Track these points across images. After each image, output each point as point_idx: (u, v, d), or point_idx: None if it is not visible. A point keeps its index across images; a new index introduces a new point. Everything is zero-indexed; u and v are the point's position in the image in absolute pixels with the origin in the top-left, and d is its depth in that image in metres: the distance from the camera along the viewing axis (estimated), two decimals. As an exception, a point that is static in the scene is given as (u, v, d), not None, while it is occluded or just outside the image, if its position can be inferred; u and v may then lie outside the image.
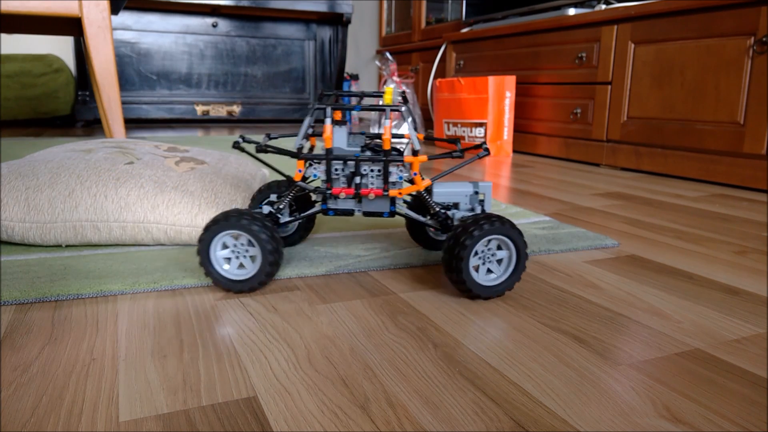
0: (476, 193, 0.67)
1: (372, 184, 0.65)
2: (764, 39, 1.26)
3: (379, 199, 0.66)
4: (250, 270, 0.61)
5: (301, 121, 3.42)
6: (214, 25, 3.03)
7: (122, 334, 0.51)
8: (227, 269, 0.61)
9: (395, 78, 2.37)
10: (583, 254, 0.79)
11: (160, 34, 2.93)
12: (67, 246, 0.76)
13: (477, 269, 0.61)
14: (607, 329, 0.55)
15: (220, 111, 3.06)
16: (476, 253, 0.60)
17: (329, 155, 0.63)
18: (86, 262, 0.69)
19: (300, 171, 0.64)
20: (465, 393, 0.43)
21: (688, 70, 1.44)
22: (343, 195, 0.65)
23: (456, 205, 0.67)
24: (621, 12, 1.58)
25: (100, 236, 0.75)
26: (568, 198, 1.21)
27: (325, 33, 3.26)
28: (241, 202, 0.81)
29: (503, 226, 0.59)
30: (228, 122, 3.26)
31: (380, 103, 0.58)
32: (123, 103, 2.90)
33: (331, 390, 0.43)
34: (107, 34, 1.41)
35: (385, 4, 3.49)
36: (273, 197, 0.74)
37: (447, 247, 0.60)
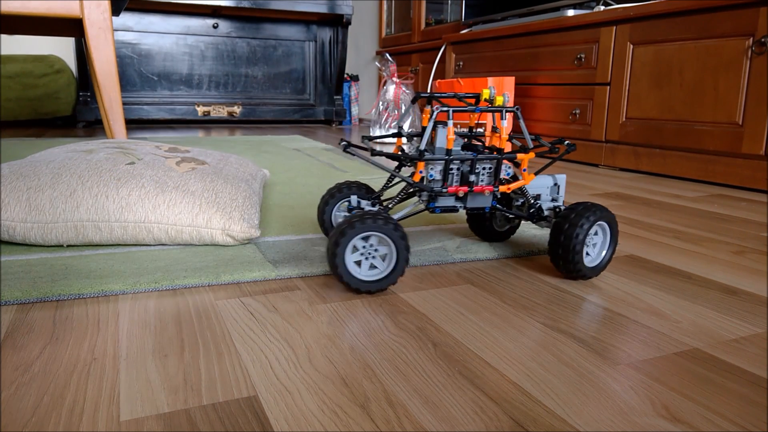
0: (555, 185, 0.73)
1: (482, 181, 0.70)
2: (763, 39, 1.26)
3: (482, 196, 0.70)
4: (383, 269, 0.63)
5: (300, 122, 3.42)
6: (215, 26, 3.03)
7: (123, 334, 0.52)
8: (359, 271, 0.62)
9: (395, 79, 2.38)
10: (583, 254, 0.80)
11: (161, 35, 2.93)
12: (68, 246, 0.76)
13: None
14: (606, 329, 0.55)
15: (220, 112, 3.06)
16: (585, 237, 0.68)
17: (450, 156, 0.66)
18: (87, 262, 0.69)
19: (421, 172, 0.67)
20: (464, 392, 0.43)
21: (686, 70, 1.44)
22: (461, 193, 0.68)
23: (538, 197, 0.73)
24: (620, 13, 1.59)
25: (101, 236, 0.75)
26: (567, 198, 1.21)
27: (326, 34, 3.26)
28: (242, 201, 0.82)
29: (604, 213, 0.67)
30: (228, 123, 3.26)
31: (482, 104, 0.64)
32: (124, 103, 2.90)
33: (332, 389, 0.43)
34: (108, 35, 1.41)
35: (384, 5, 3.49)
36: (354, 198, 0.74)
37: (558, 235, 0.66)
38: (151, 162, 0.84)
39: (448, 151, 0.66)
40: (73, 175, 0.77)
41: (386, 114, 2.42)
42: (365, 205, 0.73)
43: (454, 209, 0.70)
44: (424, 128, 0.69)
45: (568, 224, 0.65)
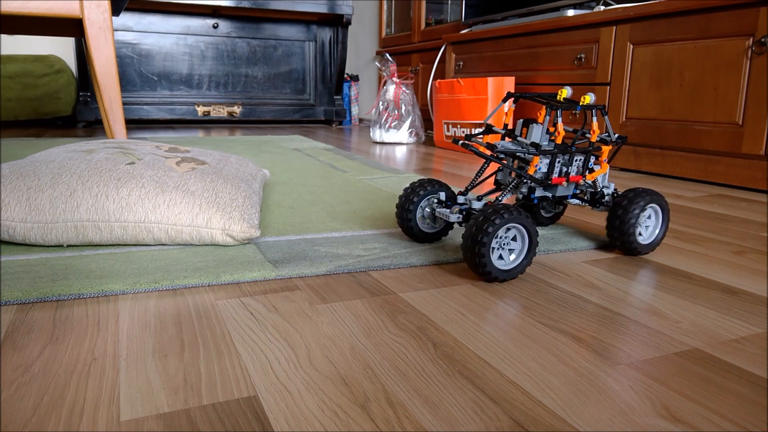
0: (605, 174, 0.81)
1: (572, 172, 0.77)
2: (763, 39, 1.26)
3: (567, 185, 0.77)
4: (514, 260, 0.67)
5: (300, 122, 3.42)
6: (215, 26, 3.03)
7: (123, 334, 0.52)
8: (497, 261, 0.66)
9: (395, 79, 2.38)
10: (582, 254, 0.80)
11: (161, 35, 2.93)
12: (68, 246, 0.76)
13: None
14: (605, 329, 0.55)
15: (220, 112, 3.06)
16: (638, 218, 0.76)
17: (559, 149, 0.73)
18: (87, 262, 0.69)
19: (536, 166, 0.73)
20: (464, 392, 0.43)
21: (686, 70, 1.44)
22: (564, 184, 0.76)
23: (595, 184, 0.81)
24: (620, 13, 1.59)
25: (101, 236, 0.75)
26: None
27: (326, 34, 3.26)
28: (242, 201, 0.82)
29: (654, 197, 0.77)
30: (228, 123, 3.26)
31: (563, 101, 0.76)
32: (124, 103, 2.90)
33: (332, 389, 0.43)
34: (108, 35, 1.41)
35: (384, 5, 3.49)
36: (442, 195, 0.77)
37: (613, 219, 0.76)
38: (151, 162, 0.84)
39: (557, 146, 0.73)
40: (73, 175, 0.77)
41: (386, 114, 2.42)
42: (462, 199, 0.76)
43: (546, 198, 0.78)
44: (525, 124, 0.76)
45: (621, 210, 0.75)
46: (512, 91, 1.96)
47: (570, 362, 0.48)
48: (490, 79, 1.93)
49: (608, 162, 0.78)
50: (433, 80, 2.68)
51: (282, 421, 0.39)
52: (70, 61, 2.98)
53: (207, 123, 3.22)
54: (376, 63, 3.17)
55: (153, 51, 2.93)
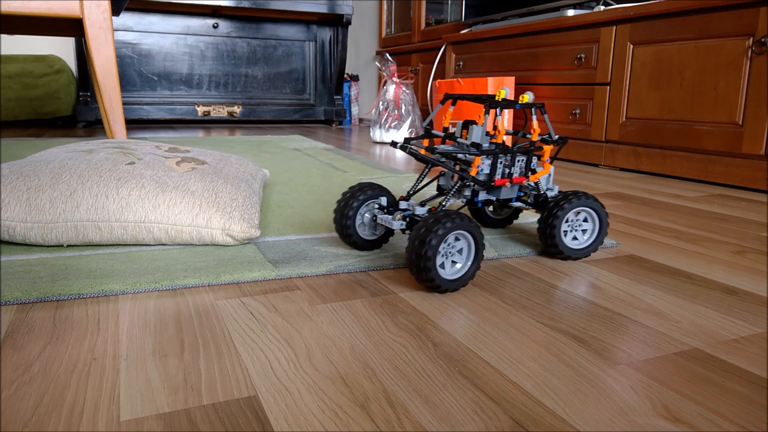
0: (549, 175, 0.79)
1: (515, 173, 0.75)
2: (763, 39, 1.26)
3: (511, 187, 0.75)
4: (461, 268, 0.63)
5: (300, 122, 3.42)
6: (215, 26, 3.03)
7: (123, 334, 0.52)
8: (443, 271, 0.62)
9: (395, 79, 2.38)
10: (583, 254, 0.80)
11: (161, 35, 2.93)
12: (68, 246, 0.76)
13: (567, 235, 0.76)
14: (606, 329, 0.55)
15: (220, 112, 3.06)
16: (567, 221, 0.75)
17: (500, 149, 0.71)
18: (87, 261, 0.69)
19: (478, 167, 0.71)
20: (464, 392, 0.43)
21: (686, 70, 1.44)
22: (508, 185, 0.74)
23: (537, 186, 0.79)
24: (620, 13, 1.59)
25: (101, 236, 0.75)
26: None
27: (326, 34, 3.26)
28: (242, 201, 0.82)
29: (589, 200, 0.74)
30: (229, 123, 3.26)
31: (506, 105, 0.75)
32: (124, 103, 2.90)
33: (332, 389, 0.43)
34: (108, 34, 1.41)
35: (385, 5, 3.49)
36: (383, 200, 0.73)
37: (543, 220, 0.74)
38: (151, 162, 0.84)
39: (498, 146, 0.71)
40: (73, 175, 0.77)
41: (386, 114, 2.42)
42: (405, 205, 0.72)
43: (490, 202, 0.75)
44: (465, 125, 0.74)
45: (549, 213, 0.73)
46: (512, 90, 1.96)
47: (570, 362, 0.48)
48: (490, 79, 1.93)
49: (551, 162, 0.76)
50: (433, 80, 2.68)
51: (282, 421, 0.39)
52: (70, 61, 2.98)
53: (207, 123, 3.22)
54: (376, 63, 3.17)
55: (153, 51, 2.93)
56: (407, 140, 0.71)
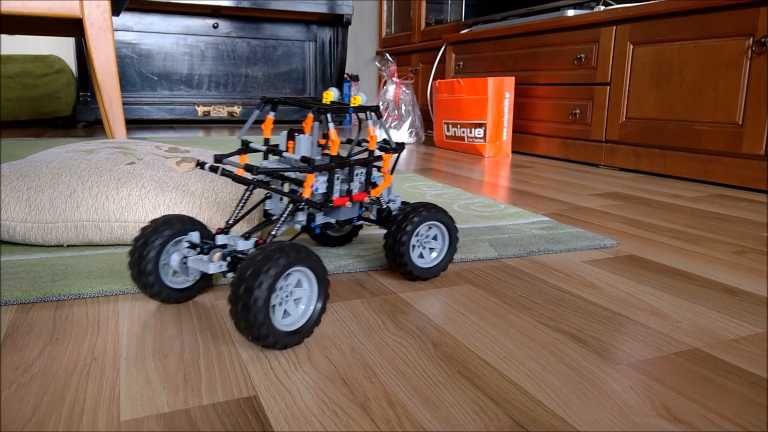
0: (389, 187, 0.69)
1: (355, 189, 0.63)
2: (763, 40, 1.26)
3: (350, 207, 0.64)
4: (305, 310, 0.51)
5: (300, 122, 3.42)
6: (215, 26, 3.03)
7: (123, 334, 0.52)
8: (281, 321, 0.49)
9: (395, 79, 2.38)
10: (582, 254, 0.80)
11: (161, 35, 2.93)
12: (68, 246, 0.76)
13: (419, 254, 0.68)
14: (605, 329, 0.55)
15: (220, 112, 3.06)
16: (417, 234, 0.66)
17: (336, 162, 0.59)
18: (88, 262, 0.69)
19: (312, 186, 0.57)
20: (464, 392, 0.43)
21: (686, 70, 1.44)
22: (348, 204, 0.62)
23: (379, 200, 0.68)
24: (620, 13, 1.59)
25: (101, 236, 0.75)
26: (567, 198, 1.21)
27: (326, 34, 3.26)
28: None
29: (439, 214, 0.66)
30: (229, 123, 3.26)
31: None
32: (124, 103, 2.90)
33: (331, 389, 0.43)
34: (108, 34, 1.41)
35: (384, 5, 3.49)
36: (194, 236, 0.57)
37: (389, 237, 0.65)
38: (151, 162, 0.84)
39: (333, 158, 0.58)
40: (73, 175, 0.77)
41: (386, 114, 2.42)
42: (223, 240, 0.57)
43: (328, 225, 0.63)
44: (290, 136, 0.60)
45: (395, 227, 0.64)
46: (512, 90, 1.96)
47: (570, 362, 0.48)
48: (490, 79, 1.93)
49: (391, 173, 0.66)
50: (433, 80, 2.68)
51: (282, 421, 0.39)
52: (70, 61, 2.98)
53: (207, 123, 3.22)
54: (376, 63, 3.17)
55: (153, 51, 2.93)
56: (218, 158, 0.57)
